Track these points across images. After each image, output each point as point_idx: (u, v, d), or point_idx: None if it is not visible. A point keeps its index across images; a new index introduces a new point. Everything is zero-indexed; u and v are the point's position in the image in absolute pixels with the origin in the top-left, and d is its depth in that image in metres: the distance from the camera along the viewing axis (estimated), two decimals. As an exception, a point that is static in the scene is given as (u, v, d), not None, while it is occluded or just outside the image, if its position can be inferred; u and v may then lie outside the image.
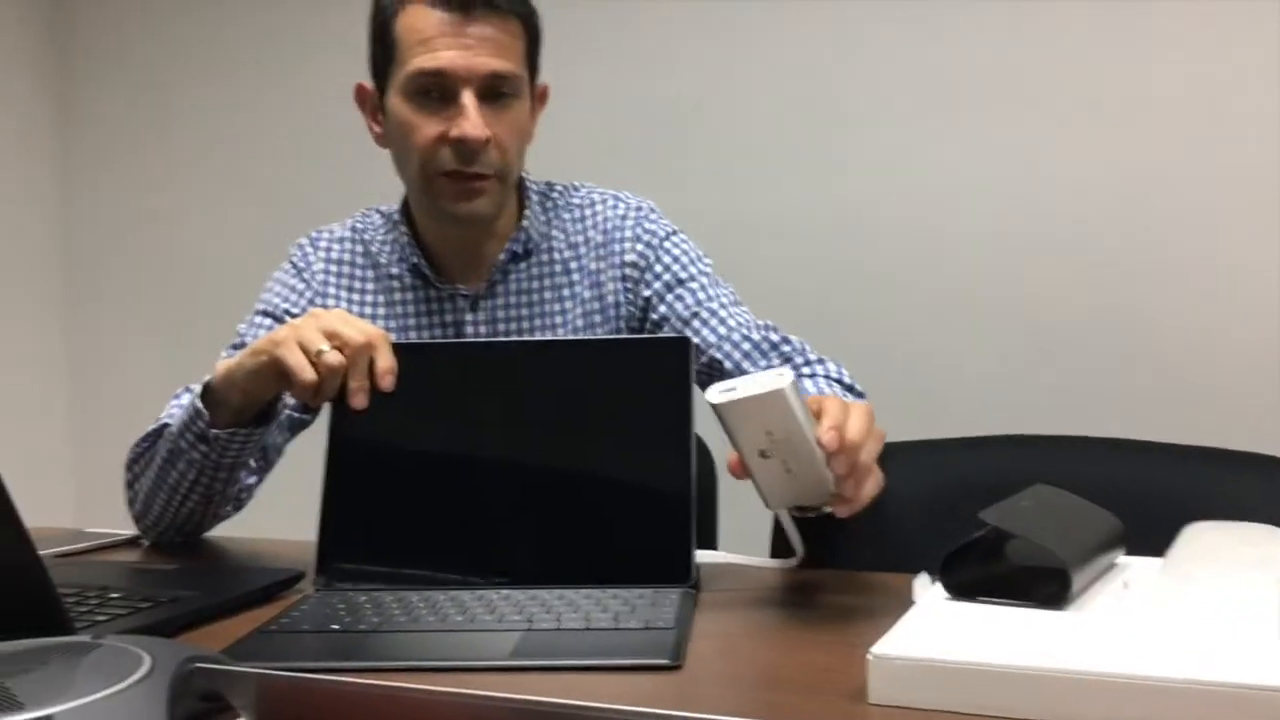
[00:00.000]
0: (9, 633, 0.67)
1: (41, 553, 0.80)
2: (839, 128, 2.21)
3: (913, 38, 2.16)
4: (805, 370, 1.27)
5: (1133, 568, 0.96)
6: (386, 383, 1.07)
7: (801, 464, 0.90)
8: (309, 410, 1.33)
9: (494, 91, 1.26)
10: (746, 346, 1.29)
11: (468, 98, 1.23)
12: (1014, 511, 0.92)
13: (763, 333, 1.31)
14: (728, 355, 1.29)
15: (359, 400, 1.07)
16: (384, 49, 1.28)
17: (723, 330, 1.30)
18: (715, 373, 1.30)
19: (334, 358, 1.06)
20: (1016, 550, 0.91)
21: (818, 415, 0.92)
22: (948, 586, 0.89)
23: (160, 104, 2.74)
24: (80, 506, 2.79)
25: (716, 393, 0.88)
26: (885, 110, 2.19)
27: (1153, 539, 0.97)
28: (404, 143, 1.27)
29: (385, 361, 1.08)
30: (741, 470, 0.91)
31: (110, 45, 2.78)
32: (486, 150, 1.25)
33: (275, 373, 1.09)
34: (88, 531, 1.37)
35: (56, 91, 2.80)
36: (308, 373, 1.06)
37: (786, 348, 1.30)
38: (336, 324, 1.08)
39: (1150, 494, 1.22)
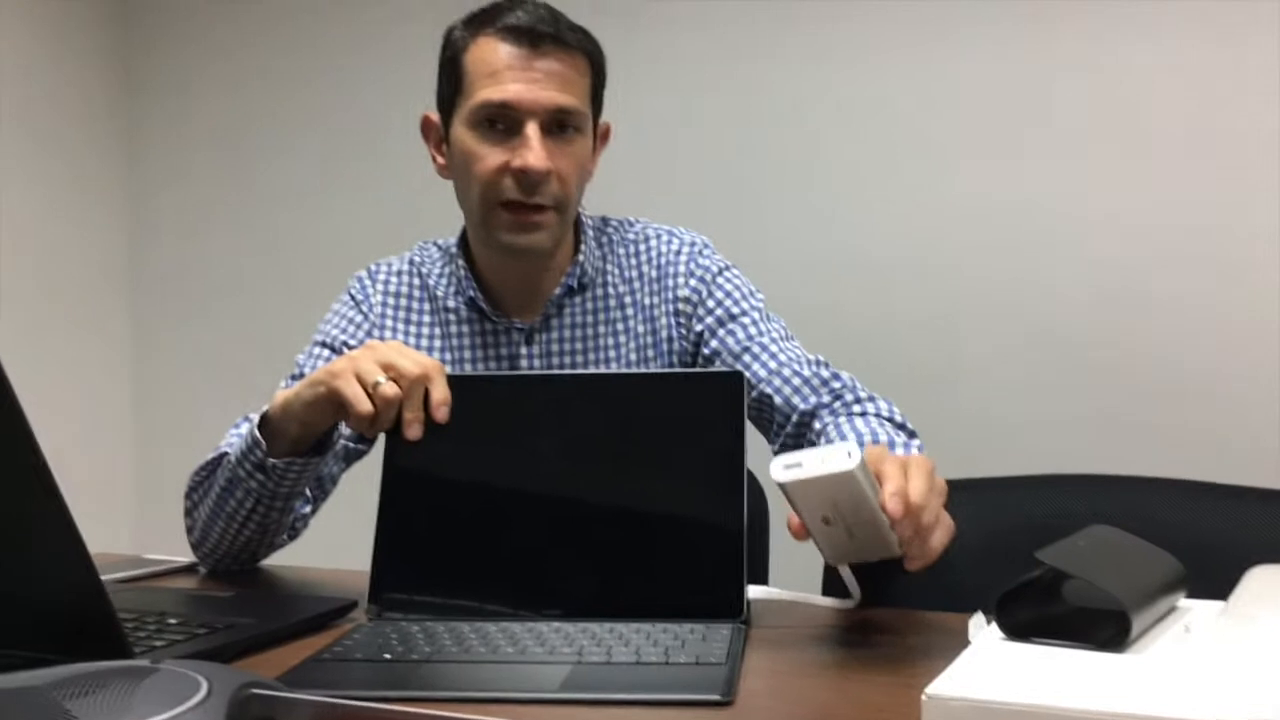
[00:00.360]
0: (70, 656, 0.69)
1: (102, 578, 0.81)
2: (895, 168, 2.21)
3: (973, 76, 2.16)
4: (856, 408, 1.25)
5: (1194, 611, 0.94)
6: (441, 414, 1.08)
7: (866, 529, 0.90)
8: (364, 441, 1.34)
9: (558, 125, 1.27)
10: (796, 381, 1.28)
11: (532, 129, 1.25)
12: (1071, 551, 0.91)
13: (813, 368, 1.30)
14: (777, 390, 1.28)
15: (414, 431, 1.08)
16: (452, 81, 1.30)
17: (773, 365, 1.30)
18: (764, 407, 1.29)
19: (390, 389, 1.07)
20: (1074, 591, 0.89)
21: (877, 476, 0.91)
22: (1003, 627, 0.87)
23: (228, 132, 2.80)
24: (140, 534, 2.84)
25: (781, 469, 0.86)
26: (936, 151, 2.18)
27: (1215, 582, 0.95)
28: (466, 172, 1.29)
29: (440, 393, 1.09)
30: (803, 533, 0.91)
31: (178, 66, 2.85)
32: (547, 182, 1.26)
33: (332, 404, 1.10)
34: (147, 558, 1.39)
35: (123, 120, 2.88)
36: (364, 404, 1.07)
37: (836, 383, 1.28)
38: (393, 356, 1.09)
39: (1212, 535, 1.19)
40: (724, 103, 2.33)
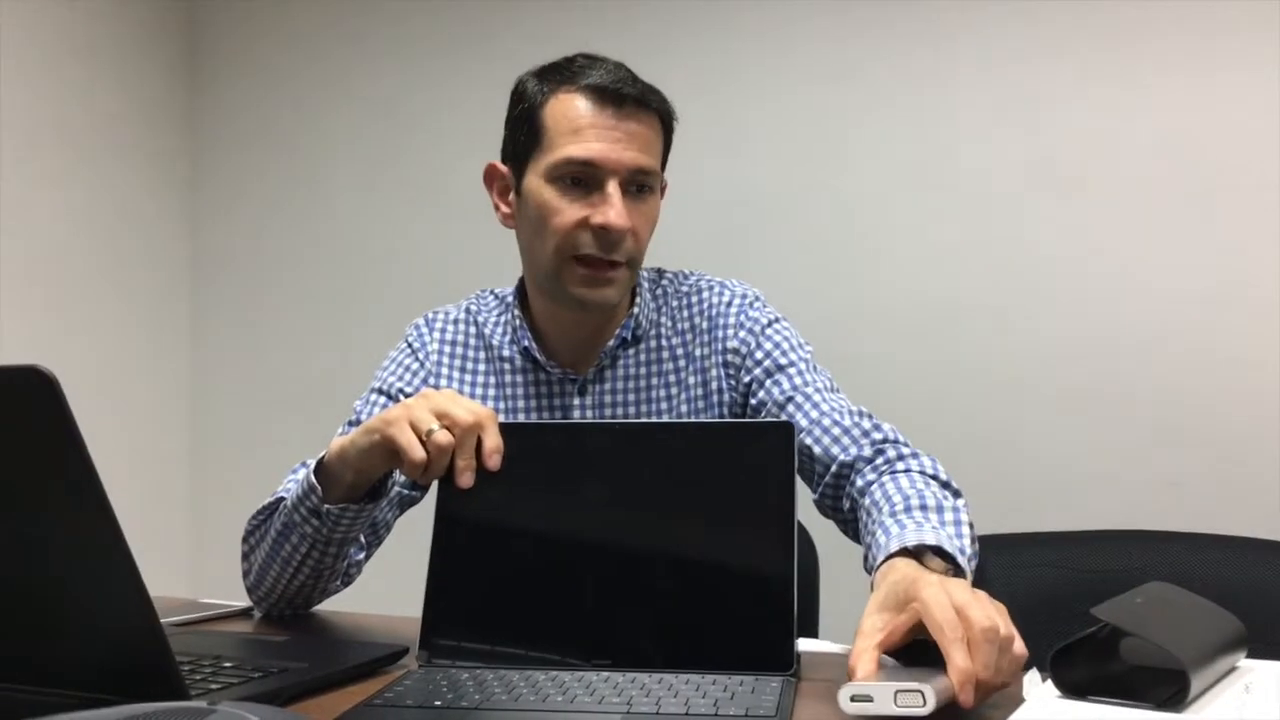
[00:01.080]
0: (129, 698, 0.70)
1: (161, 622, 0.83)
2: (943, 217, 2.21)
3: (1025, 125, 2.16)
4: (900, 465, 1.22)
5: (1255, 671, 0.92)
6: (493, 462, 1.09)
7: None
8: (418, 488, 1.35)
9: (636, 185, 1.29)
10: (836, 431, 1.27)
11: (613, 188, 1.27)
12: (1128, 608, 0.90)
13: (854, 419, 1.28)
14: (817, 440, 1.27)
15: (465, 479, 1.09)
16: (528, 133, 1.31)
17: (814, 414, 1.29)
18: (804, 456, 1.28)
19: (443, 437, 1.08)
20: (1131, 649, 0.88)
21: (938, 640, 0.85)
22: (1059, 684, 0.86)
23: (293, 150, 2.85)
24: (196, 578, 2.87)
25: (849, 700, 0.82)
26: (997, 199, 2.18)
27: (1277, 641, 0.94)
28: (542, 224, 1.30)
29: (492, 441, 1.10)
30: None
31: (243, 85, 2.92)
32: (625, 239, 1.28)
33: (387, 451, 1.11)
34: (203, 602, 1.41)
35: (188, 137, 2.95)
36: (418, 451, 1.08)
37: (878, 434, 1.26)
38: (446, 404, 1.11)
39: (1276, 594, 1.17)
40: (771, 152, 2.35)
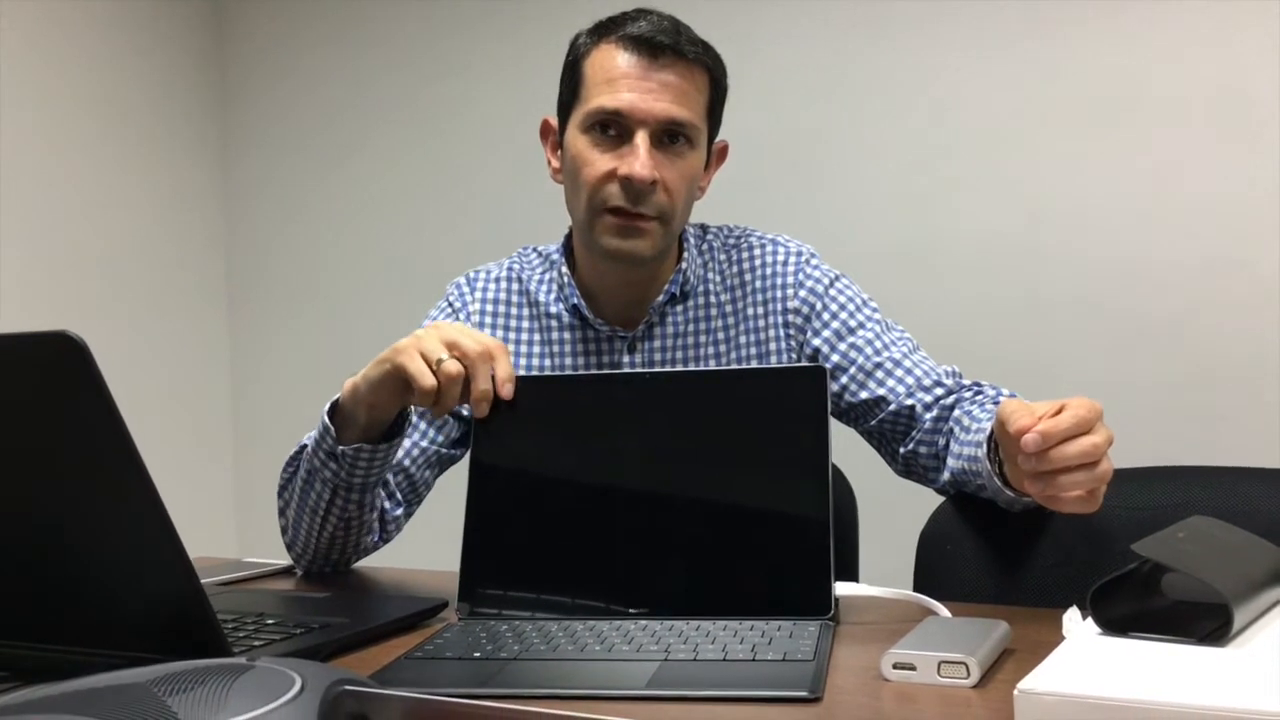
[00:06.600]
0: (173, 655, 0.71)
1: (204, 581, 0.84)
2: (989, 150, 2.18)
3: (1070, 53, 2.12)
4: (990, 392, 1.28)
5: (1301, 604, 0.90)
6: (506, 390, 1.10)
7: None
8: (456, 446, 1.35)
9: (669, 136, 1.28)
10: (939, 391, 1.28)
11: (641, 138, 1.26)
12: (1169, 544, 0.88)
13: (954, 379, 1.30)
14: (919, 400, 1.28)
15: (482, 409, 1.09)
16: (571, 85, 1.32)
17: (910, 380, 1.29)
18: (902, 419, 1.29)
19: (453, 366, 1.09)
20: (1173, 584, 0.87)
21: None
22: (1100, 621, 0.85)
23: (323, 136, 2.85)
24: (240, 539, 2.91)
25: (890, 667, 0.82)
26: (1035, 132, 2.14)
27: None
28: (575, 175, 1.30)
29: (504, 371, 1.10)
30: None
31: (271, 72, 2.91)
32: (653, 192, 1.27)
33: (397, 380, 1.12)
34: (246, 561, 1.43)
35: (218, 125, 2.96)
36: (428, 379, 1.09)
37: (975, 392, 1.29)
38: (455, 334, 1.11)
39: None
40: (811, 93, 2.32)
